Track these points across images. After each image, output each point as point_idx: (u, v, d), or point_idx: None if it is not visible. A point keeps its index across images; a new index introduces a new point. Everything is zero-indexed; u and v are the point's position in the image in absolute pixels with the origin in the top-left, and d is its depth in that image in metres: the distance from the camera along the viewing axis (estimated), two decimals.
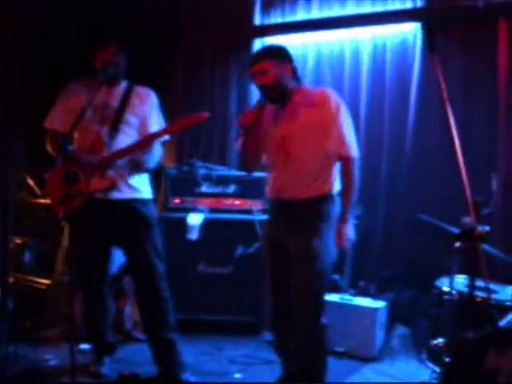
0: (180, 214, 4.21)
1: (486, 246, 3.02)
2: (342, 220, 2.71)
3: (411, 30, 4.18)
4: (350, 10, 4.33)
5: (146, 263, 3.19)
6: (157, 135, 3.14)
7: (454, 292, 2.89)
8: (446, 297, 2.97)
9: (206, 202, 4.31)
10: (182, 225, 4.16)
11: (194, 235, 4.19)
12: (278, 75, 2.76)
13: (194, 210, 4.27)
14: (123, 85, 3.32)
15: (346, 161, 2.76)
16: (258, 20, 4.71)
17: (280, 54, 2.83)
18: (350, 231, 2.70)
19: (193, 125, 3.01)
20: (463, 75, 3.97)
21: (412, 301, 4.01)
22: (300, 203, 2.78)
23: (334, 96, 2.78)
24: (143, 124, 3.27)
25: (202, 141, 4.92)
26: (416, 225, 3.87)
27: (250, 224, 4.13)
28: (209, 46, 4.93)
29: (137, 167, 3.18)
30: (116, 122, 3.20)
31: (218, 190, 4.31)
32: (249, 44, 4.75)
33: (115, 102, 3.24)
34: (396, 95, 4.27)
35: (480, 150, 3.95)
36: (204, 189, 4.32)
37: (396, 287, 4.12)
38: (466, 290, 2.99)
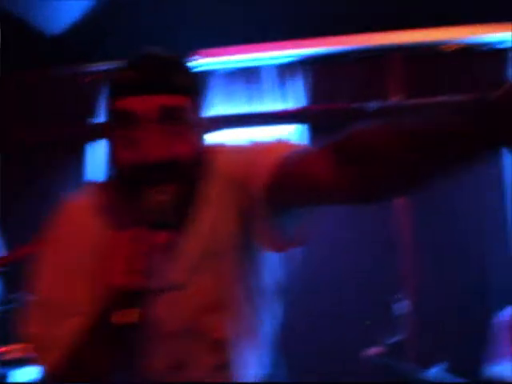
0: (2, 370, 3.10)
1: None
2: None
3: (293, 132, 3.71)
4: (220, 110, 3.75)
5: None
6: None
7: None
8: None
9: None
10: None
11: None
12: (199, 136, 1.20)
13: (22, 362, 3.20)
14: None
15: None
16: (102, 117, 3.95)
17: (200, 88, 1.23)
18: None
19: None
20: None
21: None
22: None
23: None
24: None
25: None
26: None
27: None
28: (38, 145, 4.02)
29: None
30: None
31: None
32: (91, 144, 3.96)
33: None
34: None
35: (379, 270, 3.50)
36: None
37: None
38: None
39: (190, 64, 1.20)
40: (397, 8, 3.32)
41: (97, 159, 3.94)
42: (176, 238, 1.11)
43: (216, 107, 3.75)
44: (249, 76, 3.82)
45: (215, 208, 1.22)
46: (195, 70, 1.21)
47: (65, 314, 1.17)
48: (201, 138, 1.19)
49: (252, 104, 3.80)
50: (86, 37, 3.49)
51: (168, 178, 1.09)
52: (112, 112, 1.14)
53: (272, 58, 3.78)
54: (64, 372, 1.15)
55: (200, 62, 3.77)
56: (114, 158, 1.14)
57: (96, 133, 3.96)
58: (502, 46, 3.52)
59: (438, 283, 3.43)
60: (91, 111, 3.94)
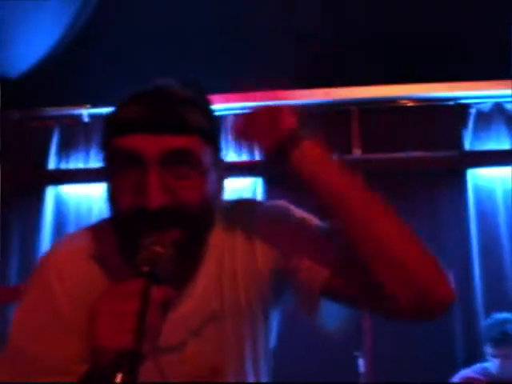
0: None
1: None
2: None
3: (248, 185, 3.62)
4: None
5: None
6: None
7: None
8: None
9: None
10: None
11: None
12: (212, 183, 1.05)
13: None
14: None
15: None
16: (52, 164, 3.77)
17: (215, 129, 1.08)
18: None
19: None
20: None
21: None
22: None
23: None
24: None
25: None
26: None
27: None
28: None
29: None
30: None
31: None
32: (40, 192, 3.74)
33: None
34: None
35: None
36: None
37: None
38: None
39: (206, 101, 1.06)
40: (357, 64, 3.32)
41: (57, 204, 3.78)
42: (173, 295, 0.96)
43: None
44: None
45: (224, 265, 1.09)
46: (212, 108, 1.06)
47: (44, 371, 0.99)
48: (214, 185, 1.04)
49: None
50: (41, 82, 3.35)
51: (170, 227, 0.95)
52: (110, 150, 0.99)
53: (225, 109, 3.71)
54: None
55: None
56: (111, 201, 1.00)
57: (54, 178, 3.81)
58: (459, 103, 3.57)
59: (397, 342, 3.32)
60: (42, 156, 3.77)
